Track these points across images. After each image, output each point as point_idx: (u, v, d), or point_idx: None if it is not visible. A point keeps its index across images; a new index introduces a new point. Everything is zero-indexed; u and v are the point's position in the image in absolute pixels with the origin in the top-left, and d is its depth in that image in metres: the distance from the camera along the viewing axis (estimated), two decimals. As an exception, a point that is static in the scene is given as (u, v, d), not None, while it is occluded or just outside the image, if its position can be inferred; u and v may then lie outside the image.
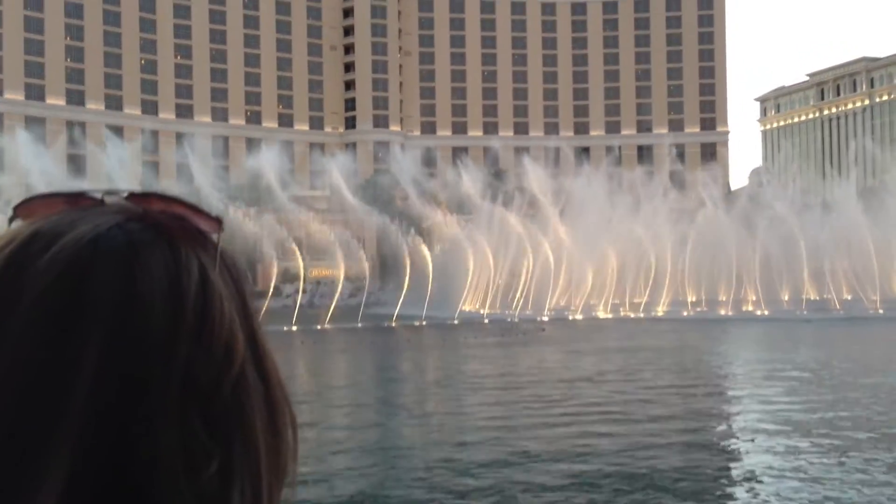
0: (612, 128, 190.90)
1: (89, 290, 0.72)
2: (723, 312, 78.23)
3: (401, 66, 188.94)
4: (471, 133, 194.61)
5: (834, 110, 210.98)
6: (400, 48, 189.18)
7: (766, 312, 78.52)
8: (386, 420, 23.23)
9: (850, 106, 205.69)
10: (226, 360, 0.75)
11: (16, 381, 0.70)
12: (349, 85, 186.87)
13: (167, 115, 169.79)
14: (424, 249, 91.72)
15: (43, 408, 0.69)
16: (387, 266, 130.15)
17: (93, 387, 0.70)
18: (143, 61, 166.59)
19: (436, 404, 26.10)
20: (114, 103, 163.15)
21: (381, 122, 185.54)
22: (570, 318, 73.83)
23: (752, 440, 18.74)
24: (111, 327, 0.71)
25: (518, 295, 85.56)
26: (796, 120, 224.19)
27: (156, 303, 0.73)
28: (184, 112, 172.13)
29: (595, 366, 35.19)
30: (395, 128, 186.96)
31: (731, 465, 16.78)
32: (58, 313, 0.71)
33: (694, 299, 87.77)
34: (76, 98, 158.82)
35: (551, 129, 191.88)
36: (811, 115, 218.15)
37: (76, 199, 0.80)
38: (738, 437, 19.61)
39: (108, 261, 0.73)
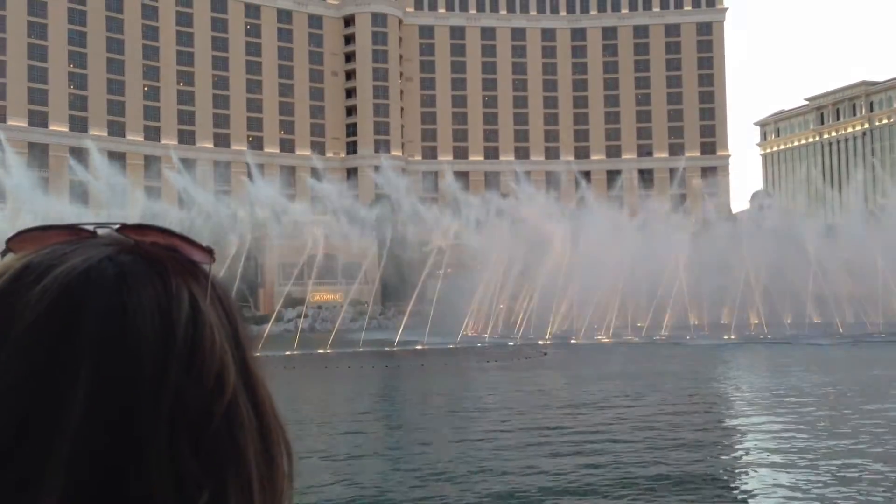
0: (613, 152, 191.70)
1: (80, 321, 0.72)
2: (725, 337, 77.99)
3: (402, 91, 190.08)
4: (472, 158, 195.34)
5: (833, 134, 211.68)
6: (401, 74, 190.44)
7: (769, 335, 78.24)
8: (409, 444, 23.09)
9: (849, 130, 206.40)
10: (217, 390, 0.76)
11: (7, 410, 0.71)
12: (350, 110, 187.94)
13: (169, 140, 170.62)
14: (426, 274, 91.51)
15: (34, 438, 0.70)
16: (388, 291, 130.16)
17: (83, 418, 0.70)
18: (145, 88, 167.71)
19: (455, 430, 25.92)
20: (116, 129, 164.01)
21: (382, 147, 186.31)
22: (573, 341, 73.60)
23: (756, 472, 18.59)
24: (102, 358, 0.72)
25: (519, 320, 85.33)
26: (796, 144, 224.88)
27: (146, 334, 0.73)
28: (186, 138, 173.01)
29: (596, 391, 35.04)
30: (396, 153, 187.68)
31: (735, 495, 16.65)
32: (49, 343, 0.71)
33: (696, 323, 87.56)
34: (79, 125, 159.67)
35: (552, 153, 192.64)
36: (811, 139, 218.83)
37: (68, 232, 0.81)
38: (743, 469, 19.45)
39: (99, 292, 0.73)
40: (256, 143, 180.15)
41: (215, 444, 0.75)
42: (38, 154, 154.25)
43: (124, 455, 0.70)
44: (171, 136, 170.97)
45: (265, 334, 76.78)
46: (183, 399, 0.73)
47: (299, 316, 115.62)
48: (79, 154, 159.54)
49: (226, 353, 0.78)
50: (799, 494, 16.04)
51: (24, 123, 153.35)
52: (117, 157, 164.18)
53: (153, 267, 0.77)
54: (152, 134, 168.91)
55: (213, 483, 0.74)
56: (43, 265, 0.75)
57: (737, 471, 18.93)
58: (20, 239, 0.80)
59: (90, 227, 0.82)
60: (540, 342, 75.02)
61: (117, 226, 0.82)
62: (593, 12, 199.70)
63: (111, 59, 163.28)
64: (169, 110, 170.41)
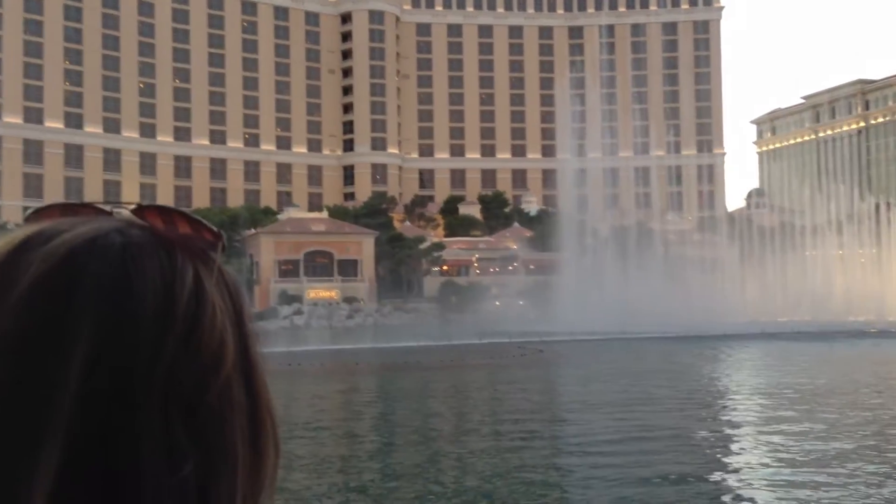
0: (610, 150, 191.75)
1: (82, 285, 0.74)
2: (721, 332, 77.87)
3: (399, 89, 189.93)
4: (468, 156, 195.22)
5: (829, 132, 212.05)
6: (398, 72, 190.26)
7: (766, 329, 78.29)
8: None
9: (844, 128, 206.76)
10: (213, 368, 0.77)
11: (9, 357, 0.73)
12: (347, 108, 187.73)
13: (165, 137, 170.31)
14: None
15: (35, 394, 0.72)
16: (385, 288, 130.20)
17: (83, 373, 0.72)
18: (141, 85, 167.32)
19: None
20: (112, 127, 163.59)
21: (378, 144, 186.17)
22: (568, 339, 73.59)
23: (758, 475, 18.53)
24: (103, 318, 0.73)
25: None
26: (792, 142, 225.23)
27: (147, 303, 0.75)
28: (182, 135, 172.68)
29: (586, 390, 35.04)
30: (393, 150, 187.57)
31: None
32: (52, 298, 0.73)
33: (693, 319, 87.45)
34: (74, 121, 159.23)
35: (549, 151, 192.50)
36: (806, 138, 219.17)
37: (86, 209, 0.84)
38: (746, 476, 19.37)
39: (103, 258, 0.75)
40: (253, 141, 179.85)
41: (206, 420, 0.76)
42: (33, 150, 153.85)
43: (118, 417, 0.72)
44: (167, 133, 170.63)
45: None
46: (178, 372, 0.75)
47: (296, 313, 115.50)
48: (74, 151, 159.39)
49: (226, 335, 0.79)
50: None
51: (19, 120, 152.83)
52: (112, 154, 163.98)
53: (161, 243, 0.79)
54: (148, 131, 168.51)
55: (199, 456, 0.75)
56: (53, 231, 0.77)
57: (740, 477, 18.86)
58: (39, 215, 0.83)
59: (107, 208, 0.85)
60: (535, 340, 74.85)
61: (133, 206, 0.84)
62: (591, 10, 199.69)
63: (106, 56, 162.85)
64: (165, 107, 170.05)
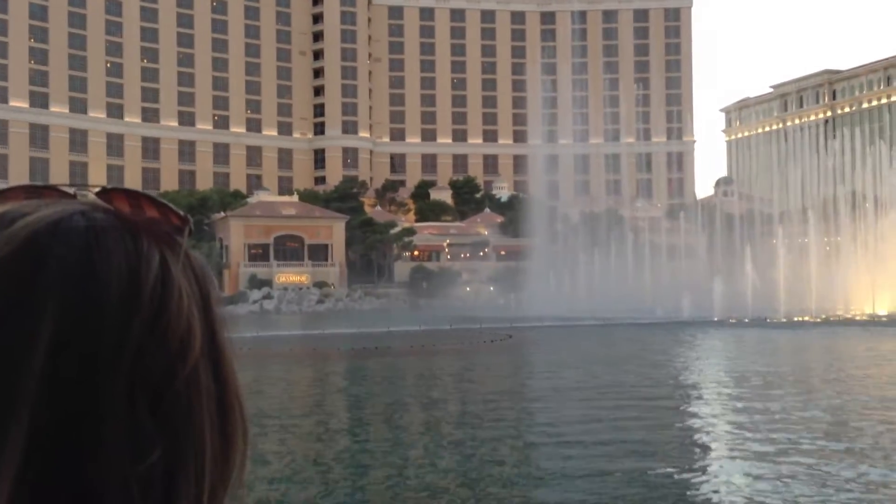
0: (581, 136, 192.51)
1: (45, 269, 0.72)
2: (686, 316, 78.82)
3: (370, 72, 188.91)
4: (440, 140, 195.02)
5: (797, 122, 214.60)
6: (370, 55, 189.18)
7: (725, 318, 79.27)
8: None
9: (812, 117, 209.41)
10: (180, 354, 0.76)
11: None
12: (318, 91, 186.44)
13: (133, 118, 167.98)
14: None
15: (1, 373, 0.70)
16: (355, 273, 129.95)
17: (47, 358, 0.70)
18: (108, 64, 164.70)
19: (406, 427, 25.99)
20: (78, 106, 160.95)
21: (350, 128, 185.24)
22: (537, 324, 74.14)
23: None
24: (67, 303, 0.72)
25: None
26: (760, 131, 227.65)
27: (111, 288, 0.73)
28: (150, 116, 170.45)
29: (552, 376, 35.39)
30: (364, 134, 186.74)
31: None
32: (15, 282, 0.72)
33: (657, 306, 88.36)
34: (40, 101, 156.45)
35: (521, 137, 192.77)
36: (774, 127, 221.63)
37: (50, 192, 0.82)
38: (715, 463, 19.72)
39: (68, 240, 0.74)
40: (222, 123, 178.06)
41: (173, 406, 0.75)
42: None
43: (83, 403, 0.71)
44: (135, 113, 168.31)
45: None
46: (144, 358, 0.73)
47: (265, 297, 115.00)
48: (39, 131, 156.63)
49: (193, 320, 0.78)
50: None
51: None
52: (79, 134, 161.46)
53: (126, 226, 0.78)
54: (115, 111, 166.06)
55: (166, 443, 0.74)
56: (15, 214, 0.75)
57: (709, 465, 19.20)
58: (3, 197, 0.81)
59: (71, 190, 0.83)
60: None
61: (98, 189, 0.83)
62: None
63: (73, 35, 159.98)
64: (132, 88, 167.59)
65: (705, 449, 19.02)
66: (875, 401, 25.23)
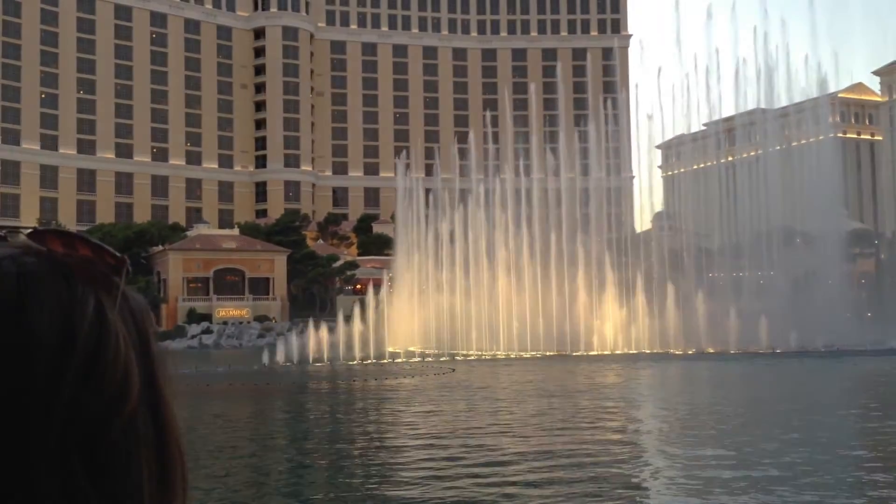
0: (524, 171, 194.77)
1: None
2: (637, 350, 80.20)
3: (313, 106, 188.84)
4: (383, 174, 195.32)
5: (730, 158, 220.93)
6: (312, 89, 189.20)
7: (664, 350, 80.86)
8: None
9: (744, 155, 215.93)
10: (116, 402, 0.72)
11: None
12: (260, 124, 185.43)
13: (68, 150, 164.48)
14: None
15: None
16: (297, 306, 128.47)
17: None
18: (43, 95, 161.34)
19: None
20: (11, 138, 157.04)
21: (292, 161, 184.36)
22: (483, 357, 74.34)
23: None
24: None
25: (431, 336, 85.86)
26: (694, 167, 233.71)
27: (43, 335, 0.70)
28: (86, 148, 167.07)
29: (493, 410, 35.51)
30: (306, 167, 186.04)
31: None
32: None
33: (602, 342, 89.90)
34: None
35: (464, 171, 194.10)
36: (709, 163, 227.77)
37: None
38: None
39: None
40: (161, 155, 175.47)
41: (109, 458, 0.72)
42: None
43: (13, 459, 0.68)
44: (70, 145, 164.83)
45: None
46: (79, 408, 0.70)
47: (204, 332, 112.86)
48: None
49: (131, 366, 0.74)
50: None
51: None
52: (11, 166, 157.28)
53: (59, 271, 0.75)
54: (49, 143, 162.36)
55: (102, 497, 0.71)
56: None
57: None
58: None
59: (0, 233, 0.80)
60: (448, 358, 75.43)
61: (28, 230, 0.80)
62: (504, 34, 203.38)
63: (6, 65, 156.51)
64: (68, 119, 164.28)
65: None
66: None
